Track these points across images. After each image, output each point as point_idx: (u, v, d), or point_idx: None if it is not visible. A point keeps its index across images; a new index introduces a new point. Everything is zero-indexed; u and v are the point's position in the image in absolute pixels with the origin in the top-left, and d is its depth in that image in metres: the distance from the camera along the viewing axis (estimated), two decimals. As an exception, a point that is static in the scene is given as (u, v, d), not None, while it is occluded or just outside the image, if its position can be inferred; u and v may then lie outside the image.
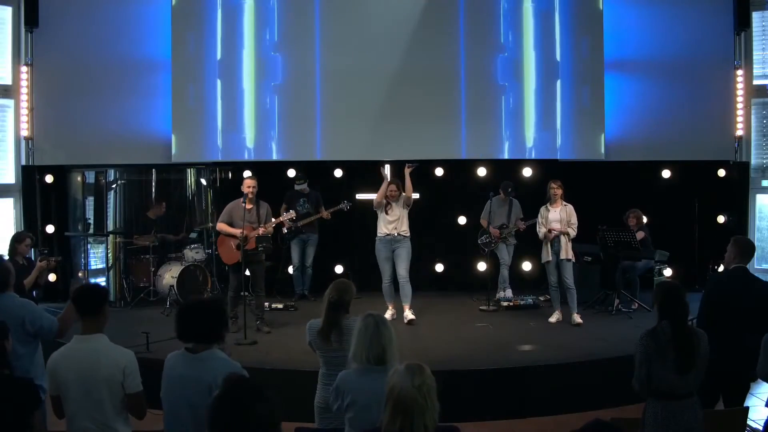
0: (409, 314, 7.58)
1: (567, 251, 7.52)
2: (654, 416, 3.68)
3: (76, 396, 3.39)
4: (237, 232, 7.03)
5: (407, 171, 7.56)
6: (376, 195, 7.66)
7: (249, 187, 7.16)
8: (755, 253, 9.47)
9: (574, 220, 7.56)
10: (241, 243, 6.95)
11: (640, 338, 3.74)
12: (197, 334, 3.37)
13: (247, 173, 8.79)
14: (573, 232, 7.53)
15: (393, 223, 7.55)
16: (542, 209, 7.69)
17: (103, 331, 3.56)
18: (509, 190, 8.69)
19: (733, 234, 9.39)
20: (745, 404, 4.49)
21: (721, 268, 9.31)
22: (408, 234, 7.60)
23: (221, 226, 7.24)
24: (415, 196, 7.82)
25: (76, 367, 3.41)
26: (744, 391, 4.64)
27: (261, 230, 7.18)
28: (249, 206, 7.17)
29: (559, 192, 7.61)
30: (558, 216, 7.52)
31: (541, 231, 7.62)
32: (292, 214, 8.02)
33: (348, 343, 4.02)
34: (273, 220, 7.46)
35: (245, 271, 7.22)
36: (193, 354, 3.36)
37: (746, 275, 4.75)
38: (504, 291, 8.61)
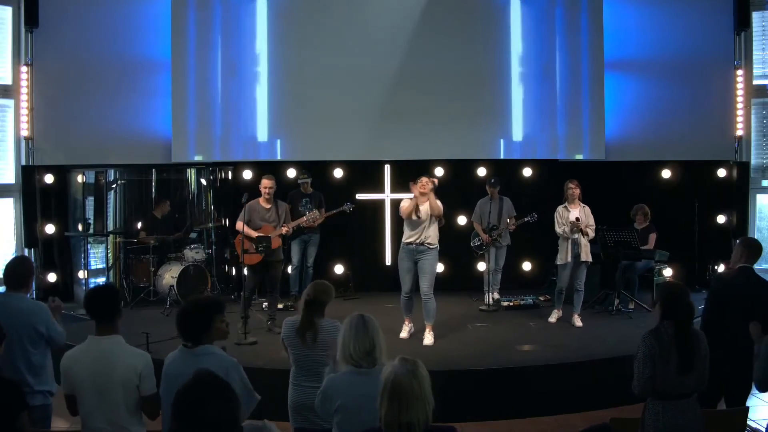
0: (429, 337, 6.79)
1: (587, 253, 7.45)
2: (655, 416, 3.68)
3: (91, 396, 3.39)
4: (255, 234, 7.00)
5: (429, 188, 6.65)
6: (403, 207, 6.79)
7: (266, 187, 7.10)
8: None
9: (592, 221, 7.51)
10: (242, 244, 6.97)
11: (643, 338, 3.73)
12: (191, 331, 3.39)
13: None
14: (591, 233, 7.48)
15: (417, 230, 6.67)
16: (560, 209, 7.56)
17: (118, 331, 3.54)
18: (492, 182, 8.55)
19: (734, 234, 9.57)
20: (747, 405, 4.49)
21: (721, 268, 9.36)
22: (435, 245, 6.71)
23: (241, 225, 7.06)
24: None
25: (91, 368, 3.40)
26: (745, 392, 4.63)
27: (284, 229, 7.13)
28: (267, 206, 7.14)
29: (577, 191, 7.53)
30: (576, 216, 7.44)
31: (563, 229, 7.44)
32: (315, 213, 7.89)
33: (320, 345, 4.04)
34: (291, 223, 7.38)
35: (261, 273, 7.23)
36: (189, 350, 3.39)
37: (752, 276, 4.73)
38: (492, 293, 8.58)
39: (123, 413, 3.39)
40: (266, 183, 7.12)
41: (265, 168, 9.42)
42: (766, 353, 3.90)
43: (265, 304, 7.77)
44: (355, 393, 3.30)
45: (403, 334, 7.02)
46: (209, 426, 2.29)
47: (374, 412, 3.26)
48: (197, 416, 2.29)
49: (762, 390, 4.04)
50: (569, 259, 7.44)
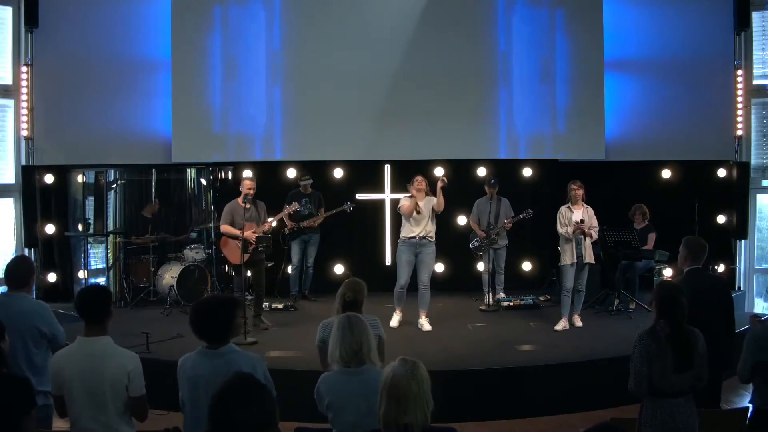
0: (425, 324, 7.29)
1: (590, 255, 7.38)
2: (653, 415, 3.71)
3: (80, 397, 3.39)
4: (240, 233, 7.11)
5: (439, 185, 7.13)
6: (404, 206, 7.30)
7: (249, 188, 7.28)
8: (756, 253, 9.64)
9: (595, 222, 7.41)
10: (242, 244, 7.00)
11: (639, 338, 3.76)
12: (217, 331, 3.36)
13: (247, 173, 8.82)
14: (595, 235, 7.40)
15: (420, 226, 7.21)
16: (564, 209, 7.43)
17: (107, 332, 3.53)
18: (492, 182, 8.55)
19: (734, 234, 9.57)
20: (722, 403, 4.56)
21: (721, 268, 9.37)
22: (434, 238, 7.27)
23: (225, 228, 7.31)
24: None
25: (80, 369, 3.40)
26: (717, 391, 4.65)
27: (266, 226, 7.30)
28: (247, 206, 7.29)
29: (580, 192, 7.41)
30: (580, 217, 7.34)
31: (565, 230, 7.30)
32: (295, 206, 8.00)
33: None
34: (274, 217, 7.49)
35: (247, 271, 7.29)
36: (213, 351, 3.35)
37: (702, 276, 4.73)
38: (498, 293, 8.59)
39: (112, 414, 3.39)
40: (249, 184, 7.35)
41: (265, 168, 9.44)
42: (746, 347, 3.94)
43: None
44: (341, 391, 3.37)
45: (393, 323, 7.33)
46: (245, 429, 2.26)
47: (359, 412, 3.31)
48: (234, 419, 2.26)
49: (743, 381, 4.07)
50: (574, 260, 7.32)
